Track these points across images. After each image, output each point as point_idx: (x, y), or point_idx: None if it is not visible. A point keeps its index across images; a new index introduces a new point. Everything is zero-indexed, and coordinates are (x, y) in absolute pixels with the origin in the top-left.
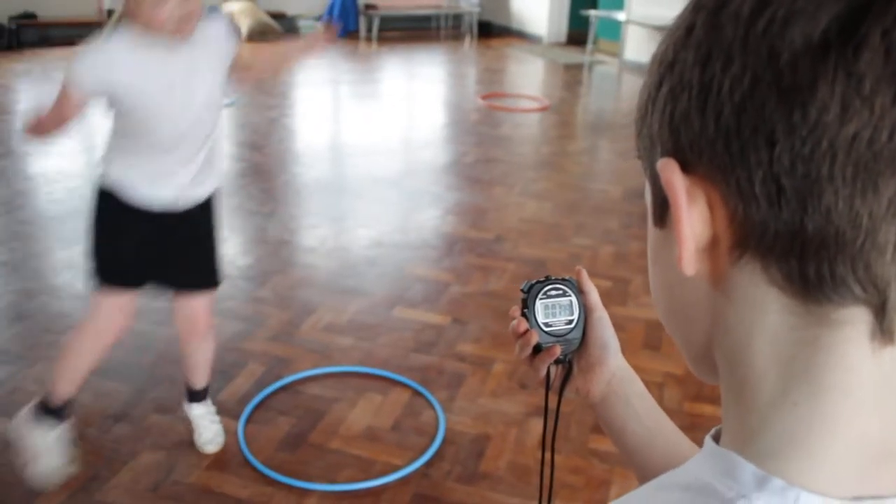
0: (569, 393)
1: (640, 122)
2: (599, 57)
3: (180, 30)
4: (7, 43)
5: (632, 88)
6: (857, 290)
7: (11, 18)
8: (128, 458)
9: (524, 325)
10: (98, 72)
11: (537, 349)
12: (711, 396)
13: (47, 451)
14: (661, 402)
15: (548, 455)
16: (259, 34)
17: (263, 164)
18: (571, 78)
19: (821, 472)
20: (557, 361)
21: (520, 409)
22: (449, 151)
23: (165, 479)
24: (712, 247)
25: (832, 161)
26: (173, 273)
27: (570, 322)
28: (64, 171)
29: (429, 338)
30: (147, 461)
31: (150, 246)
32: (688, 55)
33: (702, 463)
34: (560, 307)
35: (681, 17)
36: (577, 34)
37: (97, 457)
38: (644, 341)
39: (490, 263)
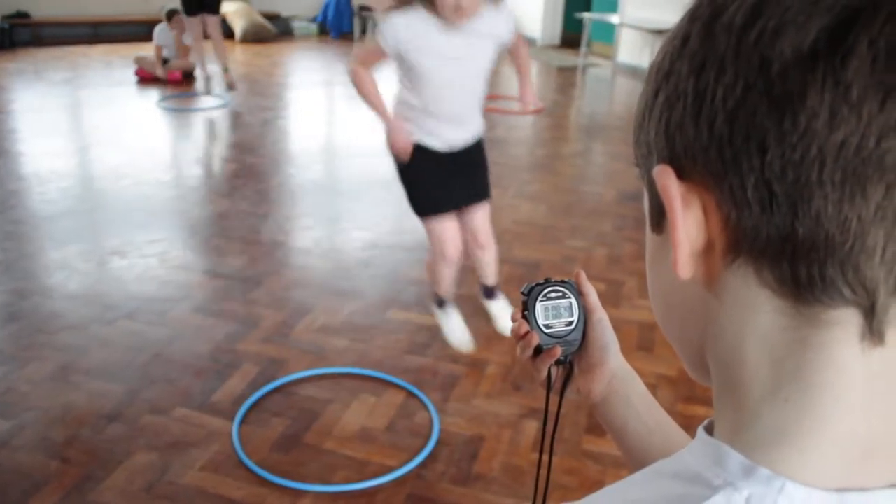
0: (570, 393)
1: (637, 130)
2: (593, 59)
3: (457, 16)
4: (0, 42)
5: (625, 91)
6: (847, 292)
7: (4, 17)
8: (122, 459)
9: (525, 326)
10: (396, 30)
11: (538, 351)
12: (704, 398)
13: (450, 326)
14: None
15: (545, 456)
16: (253, 35)
17: (258, 166)
18: (565, 80)
19: (807, 464)
20: (558, 362)
21: (513, 411)
22: None
23: (159, 479)
24: (707, 251)
25: (822, 167)
26: (459, 195)
27: (571, 324)
28: (57, 171)
29: (423, 339)
30: (141, 461)
31: (447, 177)
32: (683, 65)
33: (693, 452)
34: (560, 309)
35: (677, 28)
36: (571, 37)
37: (91, 457)
38: (637, 343)
39: None
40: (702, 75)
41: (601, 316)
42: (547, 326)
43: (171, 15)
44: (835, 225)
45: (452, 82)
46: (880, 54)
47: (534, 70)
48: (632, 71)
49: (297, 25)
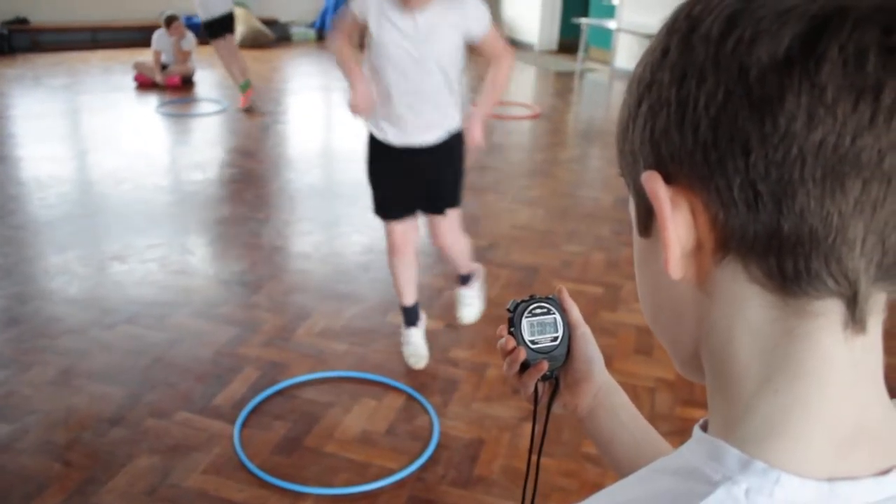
0: (557, 408)
1: (621, 140)
2: (590, 65)
3: (408, 1)
4: None
5: (623, 96)
6: (831, 283)
7: (3, 24)
8: (124, 462)
9: (512, 342)
10: (361, 2)
11: (525, 366)
12: (702, 401)
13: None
14: (652, 406)
15: (533, 470)
16: (251, 40)
17: (257, 170)
18: (563, 86)
19: (799, 454)
20: (544, 378)
21: (513, 414)
22: None
23: (162, 482)
24: (697, 250)
25: (802, 165)
26: (416, 200)
27: (556, 339)
28: (56, 177)
29: None
30: (143, 465)
31: (397, 177)
32: (664, 75)
33: (690, 449)
34: (545, 325)
35: (656, 41)
36: (569, 42)
37: (93, 460)
38: (635, 346)
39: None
40: (683, 84)
41: (584, 330)
42: (533, 342)
43: (169, 21)
44: (818, 220)
45: (410, 66)
46: (850, 58)
47: (531, 75)
48: (629, 76)
49: (295, 31)
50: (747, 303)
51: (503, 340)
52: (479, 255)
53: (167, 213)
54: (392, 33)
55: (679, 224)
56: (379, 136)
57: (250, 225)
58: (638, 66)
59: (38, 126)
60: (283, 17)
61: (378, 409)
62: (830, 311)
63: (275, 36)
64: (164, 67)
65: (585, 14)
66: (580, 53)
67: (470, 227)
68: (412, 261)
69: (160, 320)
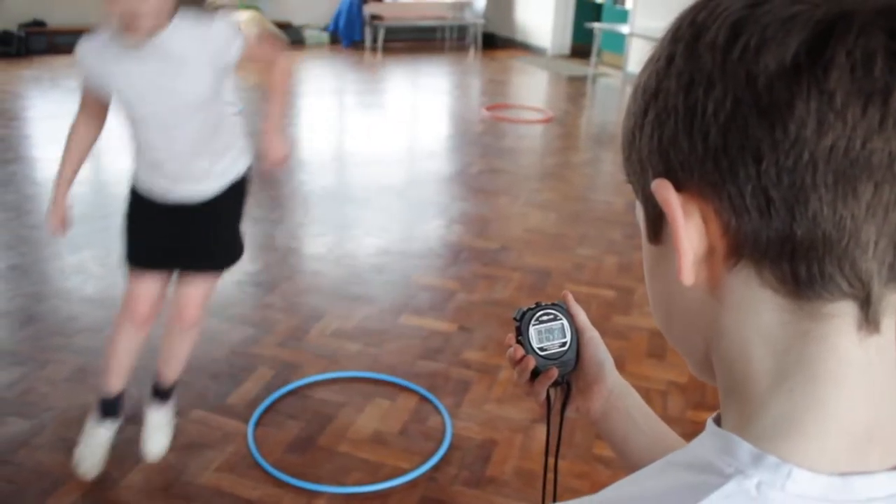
0: (570, 412)
1: (627, 148)
2: (603, 69)
3: (130, 33)
4: (16, 50)
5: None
6: (845, 285)
7: (21, 26)
8: (139, 459)
9: (521, 351)
10: (83, 59)
11: (535, 373)
12: (714, 404)
13: (86, 441)
14: (664, 409)
15: (550, 475)
16: None
17: (270, 173)
18: (575, 90)
19: (812, 450)
20: (556, 384)
21: (525, 416)
22: (454, 162)
23: (177, 479)
24: (709, 256)
25: (814, 171)
26: (169, 254)
27: (564, 344)
28: None
29: (435, 345)
30: (158, 462)
31: (156, 230)
32: (670, 83)
33: (703, 443)
34: (553, 331)
35: (660, 49)
36: (581, 46)
37: (109, 457)
38: (648, 350)
39: (495, 272)
40: (691, 92)
41: (592, 334)
42: (542, 349)
43: None
44: (830, 224)
45: (156, 114)
46: (858, 63)
47: (544, 79)
48: (633, 84)
49: (308, 34)
50: (760, 307)
51: (512, 350)
52: (491, 257)
53: None
54: (126, 88)
55: (691, 231)
56: (140, 188)
57: (264, 226)
58: (641, 74)
59: (54, 127)
60: (296, 20)
61: (391, 409)
62: (844, 312)
63: (288, 39)
64: None
65: (598, 19)
66: (593, 58)
67: (482, 229)
68: (141, 338)
69: None
